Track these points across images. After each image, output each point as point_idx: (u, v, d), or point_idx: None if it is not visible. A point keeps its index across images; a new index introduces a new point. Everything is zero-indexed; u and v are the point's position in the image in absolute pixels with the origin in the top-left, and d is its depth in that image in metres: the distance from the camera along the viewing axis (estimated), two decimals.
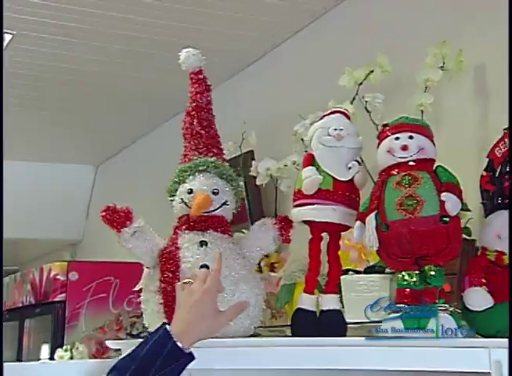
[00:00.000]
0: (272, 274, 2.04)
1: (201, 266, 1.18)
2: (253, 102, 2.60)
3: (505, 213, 1.14)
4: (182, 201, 1.25)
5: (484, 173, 1.34)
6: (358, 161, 1.24)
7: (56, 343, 2.34)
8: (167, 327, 1.02)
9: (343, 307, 1.56)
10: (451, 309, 1.10)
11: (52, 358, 2.25)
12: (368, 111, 1.76)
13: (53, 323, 2.45)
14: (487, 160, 1.35)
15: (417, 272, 1.12)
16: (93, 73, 2.63)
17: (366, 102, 1.76)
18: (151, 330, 1.22)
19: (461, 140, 1.69)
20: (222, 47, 2.43)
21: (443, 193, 1.09)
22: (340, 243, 1.58)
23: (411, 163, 1.13)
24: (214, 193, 1.24)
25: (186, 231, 1.23)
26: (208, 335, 1.05)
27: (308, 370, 1.16)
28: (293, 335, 1.22)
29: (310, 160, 1.24)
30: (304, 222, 1.25)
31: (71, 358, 2.10)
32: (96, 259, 2.79)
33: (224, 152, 1.32)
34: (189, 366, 1.03)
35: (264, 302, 1.95)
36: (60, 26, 2.23)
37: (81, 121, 3.19)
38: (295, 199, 1.25)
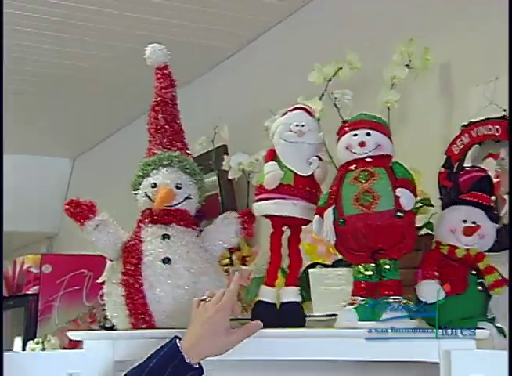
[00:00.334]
0: (244, 267, 2.07)
1: (163, 259, 1.21)
2: (228, 96, 2.62)
3: (458, 208, 1.17)
4: (146, 195, 1.27)
5: (443, 169, 1.38)
6: (318, 157, 1.27)
7: (29, 336, 2.34)
8: (178, 341, 1.05)
9: (310, 300, 1.60)
10: (404, 301, 1.13)
11: (24, 350, 2.26)
12: (337, 107, 1.79)
13: (26, 316, 2.45)
14: (445, 157, 1.39)
15: (373, 265, 1.15)
16: (70, 66, 2.63)
17: (335, 98, 1.79)
18: (115, 321, 1.25)
19: (427, 137, 1.73)
20: (197, 42, 2.44)
21: (398, 189, 1.12)
22: (309, 237, 1.61)
23: (368, 159, 1.16)
24: (177, 187, 1.26)
25: (149, 224, 1.25)
26: (217, 353, 1.06)
27: (269, 360, 1.18)
28: None
29: (272, 156, 1.27)
30: (266, 216, 1.27)
31: (43, 350, 2.11)
32: (72, 252, 2.80)
33: (188, 147, 1.34)
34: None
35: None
36: (32, 18, 2.24)
37: (58, 113, 3.19)
38: (257, 193, 1.27)
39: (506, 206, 1.28)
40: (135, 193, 1.30)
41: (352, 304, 1.14)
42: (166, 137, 1.30)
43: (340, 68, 1.79)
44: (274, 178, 1.23)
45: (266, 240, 1.32)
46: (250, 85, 2.50)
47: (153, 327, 1.19)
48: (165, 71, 1.32)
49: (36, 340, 2.14)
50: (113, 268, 1.24)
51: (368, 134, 1.17)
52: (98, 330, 1.99)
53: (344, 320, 1.14)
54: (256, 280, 1.63)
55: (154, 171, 1.27)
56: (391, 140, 1.20)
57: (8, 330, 2.48)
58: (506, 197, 1.28)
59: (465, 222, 1.16)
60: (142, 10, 2.24)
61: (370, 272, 1.15)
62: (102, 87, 2.85)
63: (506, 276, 1.16)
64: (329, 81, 1.79)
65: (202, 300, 1.10)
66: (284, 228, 1.28)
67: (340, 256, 1.48)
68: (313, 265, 1.64)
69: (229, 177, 2.18)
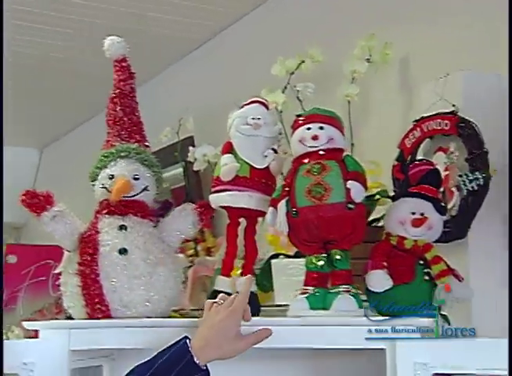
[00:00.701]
0: (208, 258, 2.10)
1: (119, 250, 1.22)
2: (194, 88, 2.63)
3: (407, 200, 1.21)
4: (103, 186, 1.28)
5: (396, 162, 1.41)
6: (274, 150, 1.29)
7: None
8: (188, 341, 1.05)
9: (272, 290, 1.63)
10: (353, 290, 1.17)
11: None
12: (299, 100, 1.82)
13: None
14: (398, 150, 1.43)
15: (324, 255, 1.19)
16: (37, 56, 2.62)
17: (298, 91, 1.82)
18: (71, 311, 1.26)
19: (386, 130, 1.77)
20: (164, 33, 2.44)
21: (349, 182, 1.15)
22: (272, 228, 1.64)
23: (321, 152, 1.19)
24: (134, 178, 1.28)
25: (106, 215, 1.26)
26: (225, 356, 1.07)
27: None
28: None
29: (228, 148, 1.29)
30: (222, 207, 1.30)
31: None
32: (39, 243, 2.79)
33: (147, 139, 1.35)
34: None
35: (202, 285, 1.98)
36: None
37: (26, 103, 3.17)
38: (214, 185, 1.29)
39: (455, 198, 1.32)
40: (93, 185, 1.31)
41: (304, 293, 1.18)
42: (124, 129, 1.31)
43: (303, 62, 1.82)
44: (230, 170, 1.26)
45: None
46: (216, 77, 2.51)
47: (109, 316, 1.20)
48: (124, 64, 1.33)
49: None
50: (70, 258, 1.25)
51: (321, 128, 1.20)
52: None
53: (295, 309, 1.17)
54: (219, 271, 1.66)
55: (112, 163, 1.28)
56: (343, 134, 1.23)
57: None
58: (454, 189, 1.32)
59: (413, 213, 1.19)
60: (110, 1, 2.24)
61: (322, 263, 1.18)
62: (70, 78, 2.84)
63: (453, 266, 1.20)
64: (292, 74, 1.82)
65: (214, 302, 1.11)
66: (241, 219, 1.31)
67: None
68: (276, 256, 1.68)
69: (195, 168, 2.20)
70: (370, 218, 1.55)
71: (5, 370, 1.06)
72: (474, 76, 1.42)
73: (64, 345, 1.16)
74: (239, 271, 1.29)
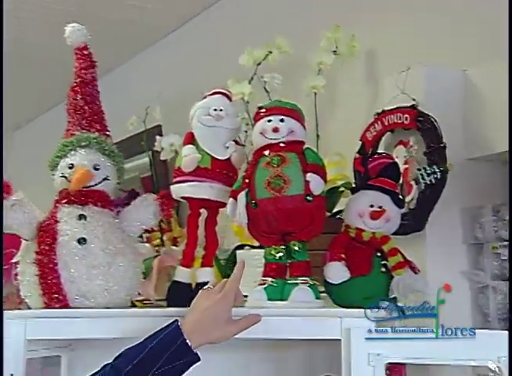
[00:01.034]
0: (174, 248, 2.09)
1: (78, 239, 1.21)
2: (163, 76, 2.60)
3: (366, 193, 1.22)
4: (63, 175, 1.27)
5: (357, 155, 1.42)
6: (236, 141, 1.30)
7: None
8: (179, 323, 1.04)
9: None
10: (311, 281, 1.18)
11: None
12: (266, 91, 1.82)
13: None
14: (359, 143, 1.44)
15: (283, 247, 1.20)
16: (8, 41, 2.56)
17: (265, 82, 1.82)
18: (28, 301, 1.25)
19: (352, 122, 1.78)
20: (133, 20, 2.42)
21: (308, 174, 1.16)
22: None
23: (281, 144, 1.19)
24: (95, 168, 1.27)
25: (66, 205, 1.25)
26: (216, 341, 1.06)
27: None
28: (169, 306, 1.27)
29: (190, 139, 1.29)
30: (183, 198, 1.30)
31: None
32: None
33: (108, 128, 1.34)
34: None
35: (167, 276, 1.96)
36: None
37: None
38: (175, 176, 1.29)
39: (413, 191, 1.34)
40: (53, 174, 1.29)
41: (262, 284, 1.19)
42: (85, 118, 1.30)
43: (270, 52, 1.82)
44: (191, 161, 1.25)
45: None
46: (184, 66, 2.50)
47: (66, 306, 1.19)
48: (85, 52, 1.31)
49: None
50: (28, 247, 1.24)
51: (282, 120, 1.20)
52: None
53: (253, 300, 1.18)
54: None
55: (72, 152, 1.27)
56: (304, 127, 1.23)
57: None
58: (412, 182, 1.34)
59: (372, 206, 1.20)
60: None
61: (280, 254, 1.19)
62: (41, 62, 2.80)
63: (411, 258, 1.22)
64: (259, 64, 1.82)
65: (205, 289, 1.11)
66: (202, 210, 1.31)
67: None
68: (241, 247, 1.68)
69: (161, 158, 2.19)
70: (335, 210, 1.57)
71: None
72: (436, 70, 1.44)
73: (20, 335, 1.15)
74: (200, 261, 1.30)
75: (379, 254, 1.20)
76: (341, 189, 1.59)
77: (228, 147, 1.27)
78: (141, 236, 2.01)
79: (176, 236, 2.24)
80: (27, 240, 1.26)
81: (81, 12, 2.26)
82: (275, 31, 1.84)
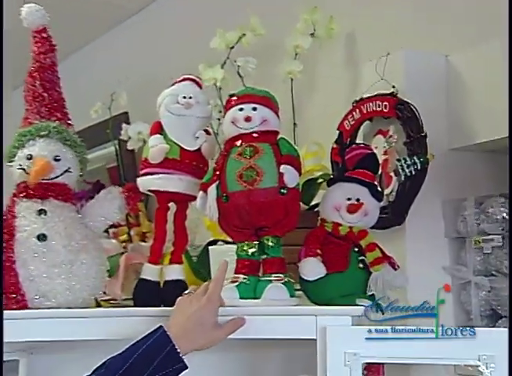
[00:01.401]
0: (143, 244, 2.01)
1: (38, 236, 1.14)
2: (129, 60, 2.47)
3: (343, 185, 1.16)
4: (21, 167, 1.19)
5: (335, 145, 1.36)
6: (206, 130, 1.23)
7: None
8: (165, 328, 0.98)
9: (210, 278, 1.57)
10: (286, 278, 1.12)
11: None
12: (240, 76, 1.74)
13: None
14: (337, 132, 1.37)
15: (256, 243, 1.13)
16: None
17: (238, 66, 1.73)
18: None
19: (332, 109, 1.70)
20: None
21: (282, 166, 1.10)
22: None
23: (254, 134, 1.13)
24: (55, 159, 1.19)
25: (24, 199, 1.17)
26: (203, 347, 1.01)
27: None
28: (135, 306, 1.21)
29: (157, 129, 1.21)
30: (151, 191, 1.23)
31: None
32: None
33: (69, 117, 1.26)
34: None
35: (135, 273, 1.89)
36: None
37: None
38: (142, 167, 1.22)
39: (393, 183, 1.28)
40: (10, 166, 1.21)
41: (234, 282, 1.12)
42: (44, 106, 1.21)
43: (244, 35, 1.74)
44: (159, 152, 1.19)
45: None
46: (152, 49, 2.37)
47: (25, 307, 1.12)
48: (44, 34, 1.22)
49: None
50: None
51: (254, 109, 1.14)
52: None
53: (225, 299, 1.12)
54: None
55: (30, 142, 1.19)
56: (277, 115, 1.17)
57: None
58: (392, 174, 1.28)
59: (349, 199, 1.15)
60: None
61: (253, 250, 1.14)
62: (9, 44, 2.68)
63: (390, 253, 1.17)
64: (232, 48, 1.73)
65: (186, 293, 1.05)
66: (171, 204, 1.24)
67: None
68: (214, 242, 1.62)
69: (128, 147, 2.11)
70: (313, 203, 1.51)
71: None
72: (417, 55, 1.37)
73: None
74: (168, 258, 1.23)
75: (356, 249, 1.15)
76: (320, 180, 1.53)
77: (198, 137, 1.20)
78: (107, 232, 1.93)
79: (145, 232, 2.16)
80: None
81: None
82: (250, 12, 1.75)
